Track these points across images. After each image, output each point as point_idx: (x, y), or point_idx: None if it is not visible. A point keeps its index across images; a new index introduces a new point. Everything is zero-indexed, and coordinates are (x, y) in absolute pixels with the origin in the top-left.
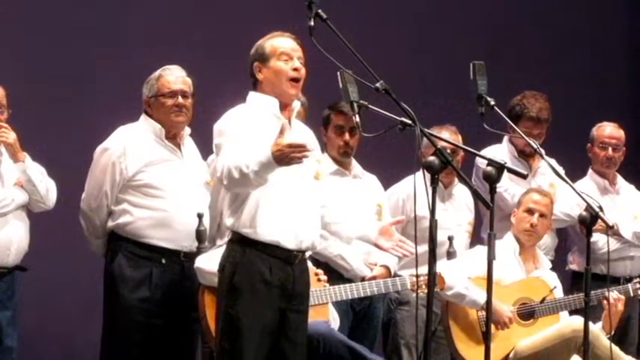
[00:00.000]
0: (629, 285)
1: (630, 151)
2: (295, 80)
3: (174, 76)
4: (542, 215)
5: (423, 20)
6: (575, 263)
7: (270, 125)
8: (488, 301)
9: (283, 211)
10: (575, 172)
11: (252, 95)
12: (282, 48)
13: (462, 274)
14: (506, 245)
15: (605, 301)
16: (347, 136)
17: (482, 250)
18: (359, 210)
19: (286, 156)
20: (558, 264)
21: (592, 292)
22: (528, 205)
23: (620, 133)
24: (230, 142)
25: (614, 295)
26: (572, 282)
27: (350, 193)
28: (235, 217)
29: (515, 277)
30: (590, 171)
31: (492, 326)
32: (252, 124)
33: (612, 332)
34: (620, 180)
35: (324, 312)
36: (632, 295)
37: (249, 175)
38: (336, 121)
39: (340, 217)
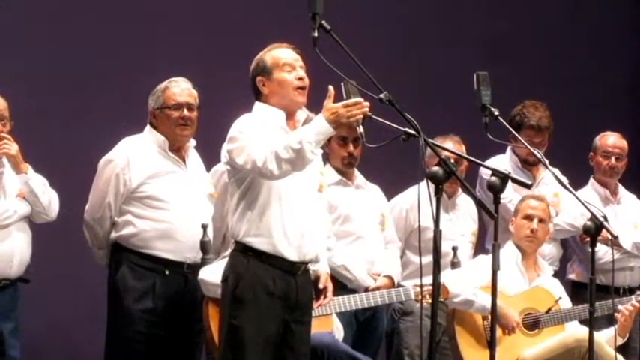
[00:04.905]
0: (633, 297)
1: (632, 161)
2: (301, 88)
3: (180, 88)
4: (541, 220)
5: (426, 31)
6: (574, 273)
7: (276, 137)
8: (493, 312)
9: (287, 223)
10: (577, 182)
11: (258, 105)
12: (284, 59)
13: (467, 282)
14: (508, 254)
15: (617, 313)
16: (351, 147)
17: (484, 259)
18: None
19: (343, 117)
20: (559, 274)
21: (597, 302)
22: (526, 212)
23: (623, 143)
24: (252, 138)
25: (629, 307)
26: (572, 292)
27: (353, 204)
28: (239, 227)
29: (518, 286)
30: (591, 180)
31: (498, 335)
32: (262, 130)
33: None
34: (621, 190)
35: (328, 323)
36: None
37: (303, 149)
38: (339, 132)
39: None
